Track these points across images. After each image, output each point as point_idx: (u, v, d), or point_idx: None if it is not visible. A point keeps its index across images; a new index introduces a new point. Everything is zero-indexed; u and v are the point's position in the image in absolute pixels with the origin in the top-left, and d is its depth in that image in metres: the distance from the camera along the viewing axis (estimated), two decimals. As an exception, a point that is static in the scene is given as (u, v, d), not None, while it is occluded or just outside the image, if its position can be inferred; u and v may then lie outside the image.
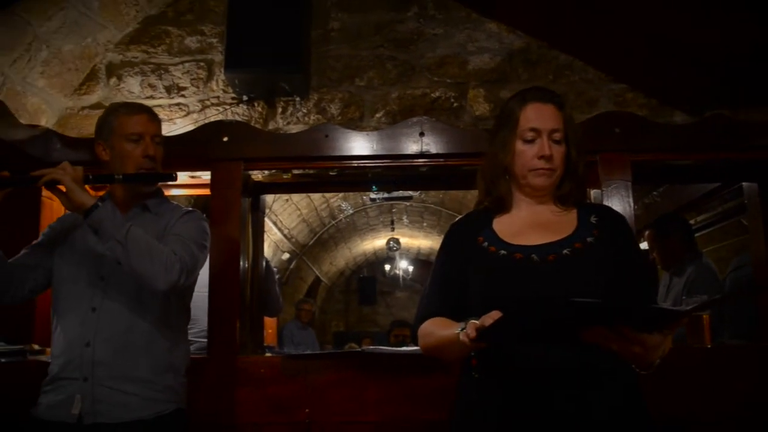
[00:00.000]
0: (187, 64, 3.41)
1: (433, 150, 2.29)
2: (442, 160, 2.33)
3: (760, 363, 2.09)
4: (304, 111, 3.37)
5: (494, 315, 1.07)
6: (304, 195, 6.10)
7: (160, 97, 3.38)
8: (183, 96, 3.38)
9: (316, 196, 6.51)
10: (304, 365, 2.13)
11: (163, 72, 3.40)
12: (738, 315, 2.61)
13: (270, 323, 5.19)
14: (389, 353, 2.14)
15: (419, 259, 11.38)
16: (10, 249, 1.70)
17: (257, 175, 2.65)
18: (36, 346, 2.20)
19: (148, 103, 2.91)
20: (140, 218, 1.69)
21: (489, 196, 1.43)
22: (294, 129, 3.22)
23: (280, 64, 3.13)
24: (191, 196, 3.38)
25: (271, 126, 3.34)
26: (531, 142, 1.34)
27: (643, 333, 1.06)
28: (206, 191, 2.44)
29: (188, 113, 3.36)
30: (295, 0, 3.17)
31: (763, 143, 2.25)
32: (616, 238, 1.33)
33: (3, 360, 2.07)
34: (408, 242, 10.14)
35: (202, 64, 3.41)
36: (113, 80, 3.39)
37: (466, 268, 1.35)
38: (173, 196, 2.60)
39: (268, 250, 6.41)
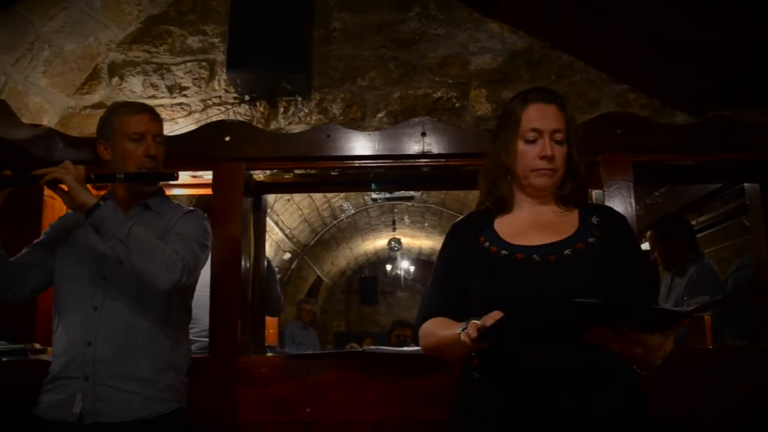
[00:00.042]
0: (189, 64, 3.41)
1: (435, 150, 2.29)
2: (443, 160, 2.33)
3: (761, 364, 2.09)
4: (306, 111, 3.37)
5: (495, 315, 1.07)
6: (305, 195, 6.11)
7: (162, 97, 3.38)
8: (185, 96, 3.38)
9: (318, 196, 6.51)
10: (306, 365, 2.13)
11: (165, 72, 3.40)
12: (740, 316, 2.61)
13: (271, 323, 5.19)
14: (390, 353, 2.14)
15: (420, 260, 11.38)
16: (12, 248, 1.70)
17: (259, 175, 2.65)
18: (37, 345, 2.19)
19: (150, 102, 2.91)
20: (142, 217, 1.70)
21: (490, 197, 1.43)
22: (296, 129, 3.22)
23: (282, 64, 3.12)
24: (193, 195, 3.39)
25: (272, 126, 3.33)
26: (533, 142, 1.34)
27: (644, 333, 1.06)
28: (208, 191, 2.44)
29: (190, 113, 3.36)
30: (297, 0, 3.17)
31: (765, 144, 2.25)
32: (618, 239, 1.33)
33: (4, 359, 2.07)
34: (409, 242, 10.14)
35: (204, 63, 3.41)
36: (115, 80, 3.39)
37: (467, 268, 1.35)
38: (175, 196, 2.61)
39: (269, 250, 6.41)
